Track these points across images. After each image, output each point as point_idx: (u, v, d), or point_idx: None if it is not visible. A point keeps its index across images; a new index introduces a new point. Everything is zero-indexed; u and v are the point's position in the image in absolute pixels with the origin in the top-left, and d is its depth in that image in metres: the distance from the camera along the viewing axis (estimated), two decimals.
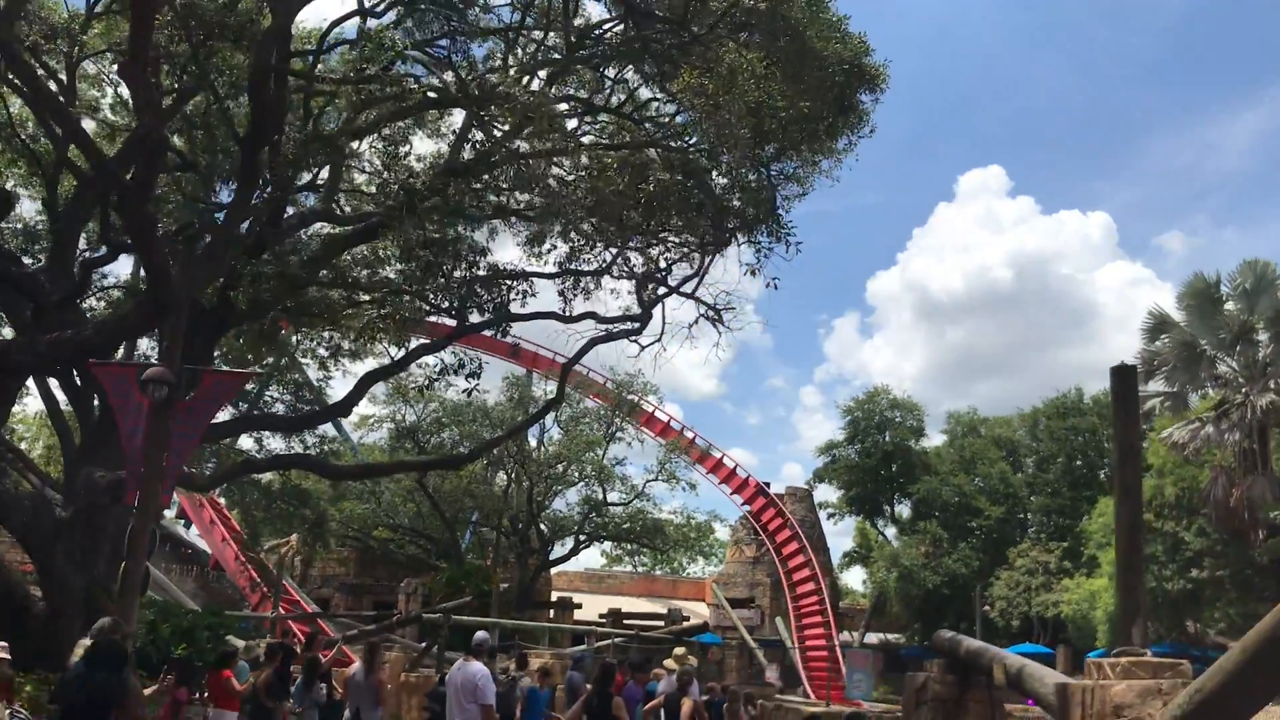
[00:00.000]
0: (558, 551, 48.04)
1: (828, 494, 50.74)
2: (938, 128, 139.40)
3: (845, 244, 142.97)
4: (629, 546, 52.63)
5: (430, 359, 19.24)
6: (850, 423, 47.74)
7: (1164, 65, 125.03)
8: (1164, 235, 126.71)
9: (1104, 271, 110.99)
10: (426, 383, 19.48)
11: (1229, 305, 30.21)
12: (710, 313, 16.95)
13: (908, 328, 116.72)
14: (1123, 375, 10.26)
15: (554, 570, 50.69)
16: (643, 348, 17.39)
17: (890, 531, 49.22)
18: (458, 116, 17.72)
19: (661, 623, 40.79)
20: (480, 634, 12.24)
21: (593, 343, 17.52)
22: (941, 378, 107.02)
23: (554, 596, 46.30)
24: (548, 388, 44.15)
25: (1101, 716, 9.00)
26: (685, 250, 16.79)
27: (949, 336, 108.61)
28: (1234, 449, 28.85)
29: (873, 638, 45.87)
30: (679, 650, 15.62)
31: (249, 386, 23.03)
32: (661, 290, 17.39)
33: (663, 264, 16.92)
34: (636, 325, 17.10)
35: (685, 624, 40.12)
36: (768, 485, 48.44)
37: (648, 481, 45.92)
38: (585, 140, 16.97)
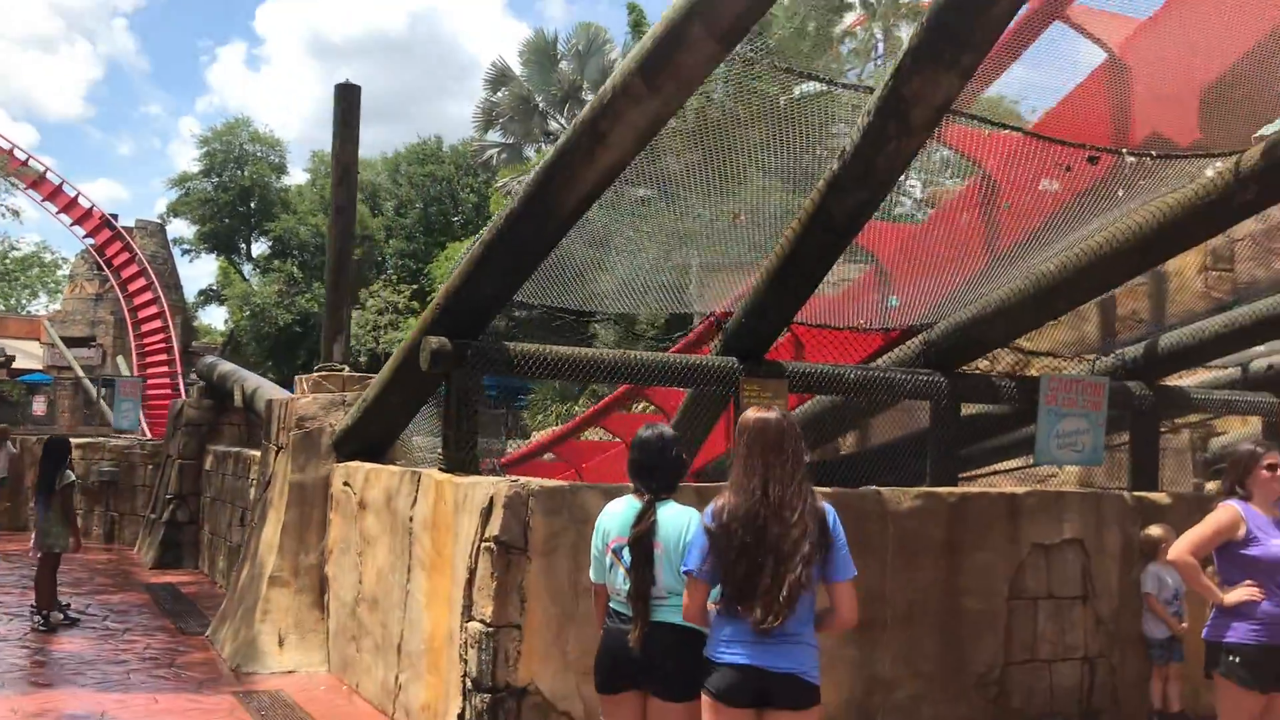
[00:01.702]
0: None
1: (184, 229, 47.81)
2: None
3: None
4: None
5: None
6: (207, 154, 44.84)
7: None
8: (551, 1, 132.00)
9: (491, 28, 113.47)
10: None
11: (563, 64, 32.16)
12: None
13: (299, 64, 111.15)
14: (345, 93, 10.16)
15: None
16: None
17: (248, 269, 47.88)
18: None
19: None
20: None
21: None
22: (331, 119, 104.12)
23: None
24: None
25: (289, 427, 9.24)
26: None
27: (341, 77, 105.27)
28: None
29: None
30: None
31: None
32: None
33: None
34: None
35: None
36: (115, 217, 44.28)
37: None
38: None
